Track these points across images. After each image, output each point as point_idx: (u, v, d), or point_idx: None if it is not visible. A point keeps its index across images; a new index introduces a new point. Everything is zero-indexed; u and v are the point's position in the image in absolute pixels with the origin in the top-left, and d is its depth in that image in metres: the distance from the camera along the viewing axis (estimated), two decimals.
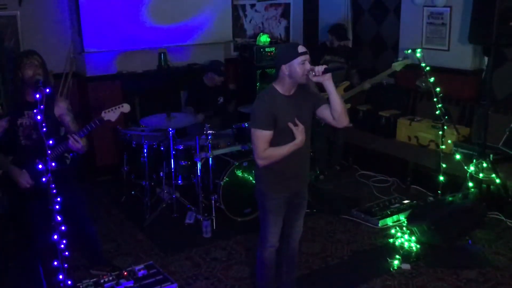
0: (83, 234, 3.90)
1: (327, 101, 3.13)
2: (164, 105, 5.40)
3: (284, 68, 3.04)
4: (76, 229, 3.75)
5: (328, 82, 3.04)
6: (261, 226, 3.35)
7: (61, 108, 3.54)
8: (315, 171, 5.96)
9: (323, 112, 3.18)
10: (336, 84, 5.67)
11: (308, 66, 3.04)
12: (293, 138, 3.07)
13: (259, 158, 3.10)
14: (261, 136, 3.05)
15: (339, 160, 6.22)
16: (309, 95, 3.21)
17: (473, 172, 4.77)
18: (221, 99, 5.76)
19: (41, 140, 2.86)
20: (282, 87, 3.11)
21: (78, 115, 6.04)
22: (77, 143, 3.33)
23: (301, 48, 3.04)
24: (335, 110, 3.08)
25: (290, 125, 3.06)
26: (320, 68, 3.01)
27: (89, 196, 5.03)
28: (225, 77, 5.68)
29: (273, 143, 3.10)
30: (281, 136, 3.08)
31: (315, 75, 3.02)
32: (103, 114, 3.43)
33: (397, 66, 5.15)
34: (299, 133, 3.06)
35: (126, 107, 3.48)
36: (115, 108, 3.45)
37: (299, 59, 3.01)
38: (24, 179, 3.39)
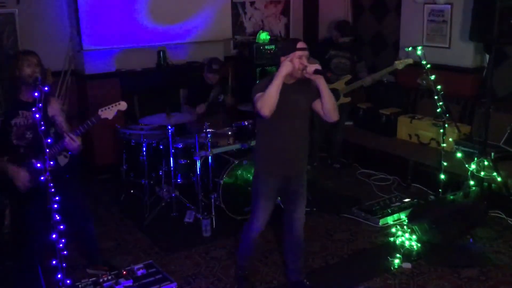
0: (82, 233, 3.88)
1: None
2: (164, 103, 5.37)
3: (283, 60, 3.27)
4: (74, 228, 3.74)
5: (319, 80, 3.24)
6: (252, 209, 3.58)
7: (54, 108, 3.53)
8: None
9: (317, 105, 3.39)
10: (339, 77, 5.89)
11: (305, 61, 3.24)
12: (283, 120, 3.29)
13: (260, 107, 3.18)
14: (260, 96, 3.23)
15: (338, 158, 6.19)
16: (308, 88, 3.37)
17: (474, 171, 4.74)
18: (221, 97, 5.73)
19: (38, 139, 2.85)
20: None
21: (77, 113, 6.06)
22: (74, 142, 3.31)
23: (300, 44, 3.26)
24: (325, 106, 3.32)
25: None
26: (311, 68, 3.20)
27: (88, 195, 5.02)
28: (217, 74, 5.63)
29: (266, 127, 3.38)
30: (274, 120, 3.25)
31: (307, 73, 3.22)
32: (99, 112, 3.43)
33: (399, 64, 5.29)
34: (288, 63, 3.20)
35: (123, 105, 3.48)
36: (112, 106, 3.45)
37: (297, 54, 3.23)
38: (22, 178, 3.37)
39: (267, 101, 3.15)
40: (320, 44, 6.16)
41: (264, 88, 3.23)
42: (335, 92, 5.75)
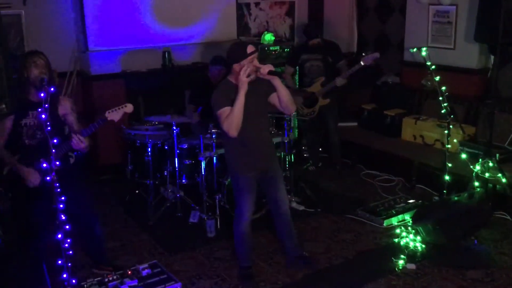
0: (88, 233, 3.90)
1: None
2: (169, 104, 5.39)
3: (235, 67, 3.47)
4: (80, 228, 3.76)
5: (274, 81, 3.50)
6: (236, 204, 3.78)
7: (65, 107, 3.57)
8: (307, 162, 6.12)
9: (274, 98, 3.63)
10: (313, 80, 5.81)
11: (257, 63, 3.46)
12: (247, 122, 3.44)
13: (228, 129, 3.43)
14: (224, 113, 3.44)
15: (339, 159, 6.14)
16: (262, 84, 3.57)
17: (479, 172, 4.74)
18: None
19: (45, 139, 2.87)
20: (235, 80, 3.51)
21: (82, 114, 6.07)
22: (81, 142, 3.34)
23: (250, 49, 3.45)
24: (282, 101, 3.59)
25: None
26: (265, 70, 3.43)
27: (93, 195, 5.04)
28: (223, 67, 5.64)
29: None
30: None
31: (261, 74, 3.44)
32: (106, 114, 3.45)
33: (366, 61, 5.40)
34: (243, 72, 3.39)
35: (129, 107, 3.50)
36: (119, 108, 3.47)
37: (248, 59, 3.43)
38: (33, 178, 3.41)
39: (235, 122, 3.40)
40: (293, 49, 6.38)
41: (224, 101, 3.44)
42: (312, 96, 5.79)
